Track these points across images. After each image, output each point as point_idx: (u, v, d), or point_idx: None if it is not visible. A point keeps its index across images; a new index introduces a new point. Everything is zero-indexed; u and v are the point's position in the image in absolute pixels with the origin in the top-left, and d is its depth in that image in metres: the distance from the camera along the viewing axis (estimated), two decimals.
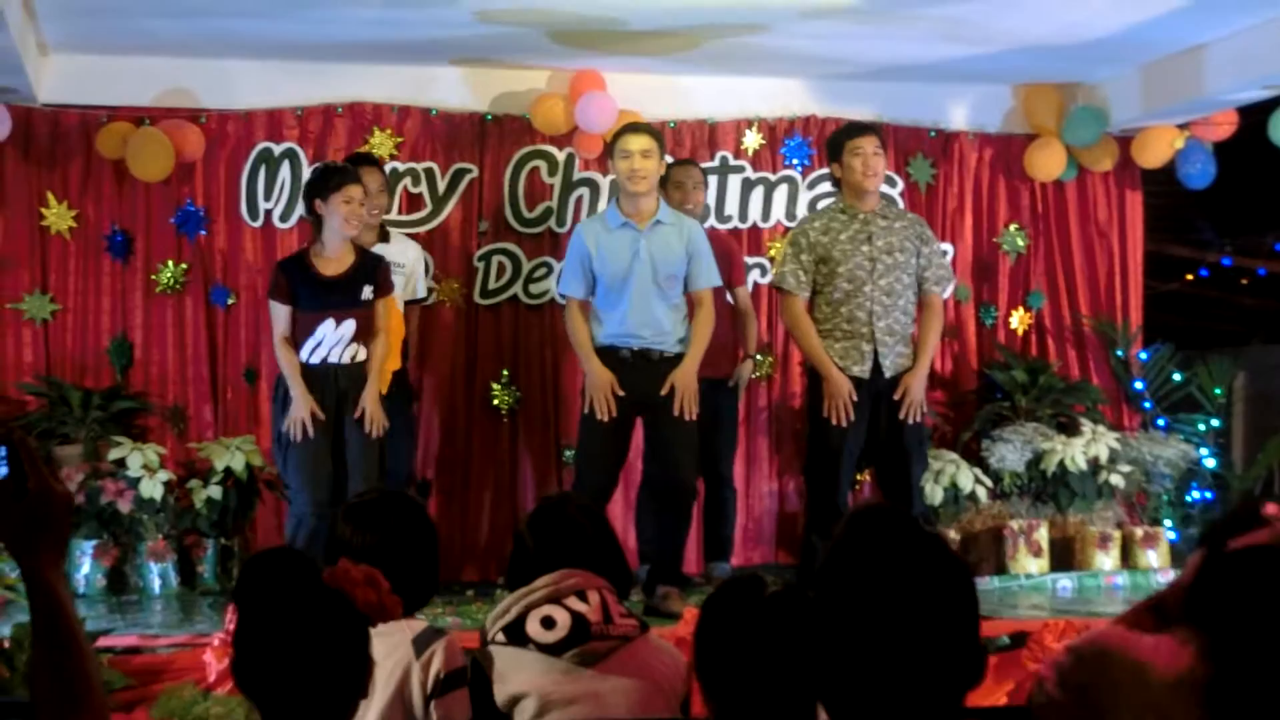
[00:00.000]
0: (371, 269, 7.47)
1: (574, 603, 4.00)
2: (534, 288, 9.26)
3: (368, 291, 7.39)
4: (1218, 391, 9.94)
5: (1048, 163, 9.67)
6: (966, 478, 8.91)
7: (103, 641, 6.26)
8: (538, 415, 9.29)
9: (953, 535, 8.64)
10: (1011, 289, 9.92)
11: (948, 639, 2.63)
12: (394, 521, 4.24)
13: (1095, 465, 9.08)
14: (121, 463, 8.25)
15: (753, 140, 9.56)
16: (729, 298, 8.63)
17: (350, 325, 7.33)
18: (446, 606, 7.77)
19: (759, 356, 9.31)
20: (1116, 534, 9.03)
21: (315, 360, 7.33)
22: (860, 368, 7.70)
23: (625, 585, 4.36)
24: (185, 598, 8.16)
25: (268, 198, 9.07)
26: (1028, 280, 9.93)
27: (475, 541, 9.17)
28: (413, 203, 9.23)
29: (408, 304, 8.34)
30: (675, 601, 7.35)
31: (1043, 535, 8.93)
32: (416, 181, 9.22)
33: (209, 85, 9.05)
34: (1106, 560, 8.96)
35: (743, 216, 9.55)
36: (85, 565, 8.13)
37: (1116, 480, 9.09)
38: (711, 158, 9.46)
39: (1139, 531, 9.08)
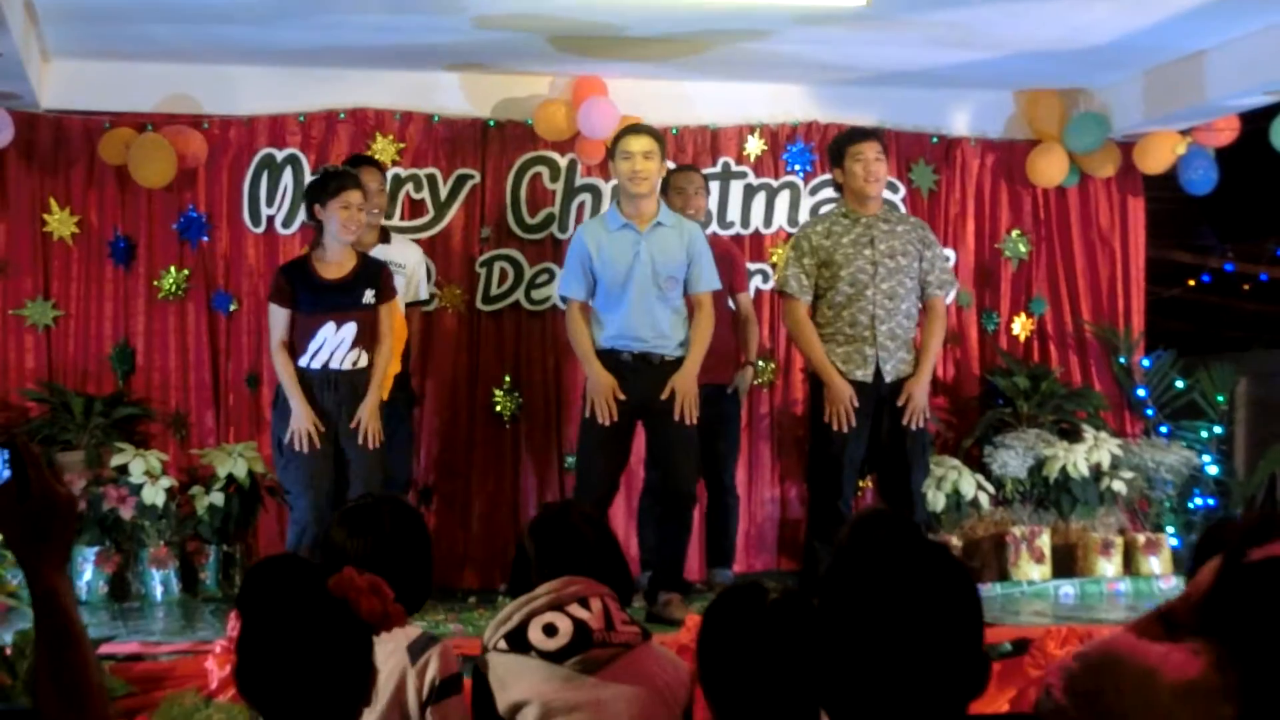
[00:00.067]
0: (374, 273, 7.46)
1: (576, 610, 4.00)
2: (536, 294, 9.26)
3: (369, 295, 7.38)
4: (1220, 398, 9.92)
5: (1050, 168, 9.67)
6: (969, 484, 8.91)
7: (105, 649, 6.25)
8: (540, 422, 9.28)
9: (955, 542, 8.63)
10: (1013, 295, 9.92)
11: (952, 647, 2.62)
12: (388, 527, 4.25)
13: (1097, 471, 9.07)
14: (123, 469, 8.24)
15: (755, 146, 9.56)
16: (730, 304, 8.63)
17: (351, 328, 7.31)
18: (448, 613, 7.77)
19: (761, 363, 9.32)
20: (1119, 540, 9.02)
21: (316, 365, 7.32)
22: (863, 372, 7.70)
23: (627, 592, 4.37)
24: (187, 604, 8.15)
25: (270, 204, 9.07)
26: (1030, 286, 9.93)
27: (477, 548, 9.16)
28: (415, 208, 9.24)
29: (409, 305, 8.34)
30: (677, 608, 7.34)
31: (1045, 542, 8.92)
32: (419, 187, 9.22)
33: (211, 91, 9.06)
34: (1109, 567, 8.95)
35: (745, 222, 9.55)
36: (87, 572, 8.12)
37: (1119, 487, 9.09)
38: (714, 163, 9.46)
39: (1141, 538, 9.07)
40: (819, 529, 7.74)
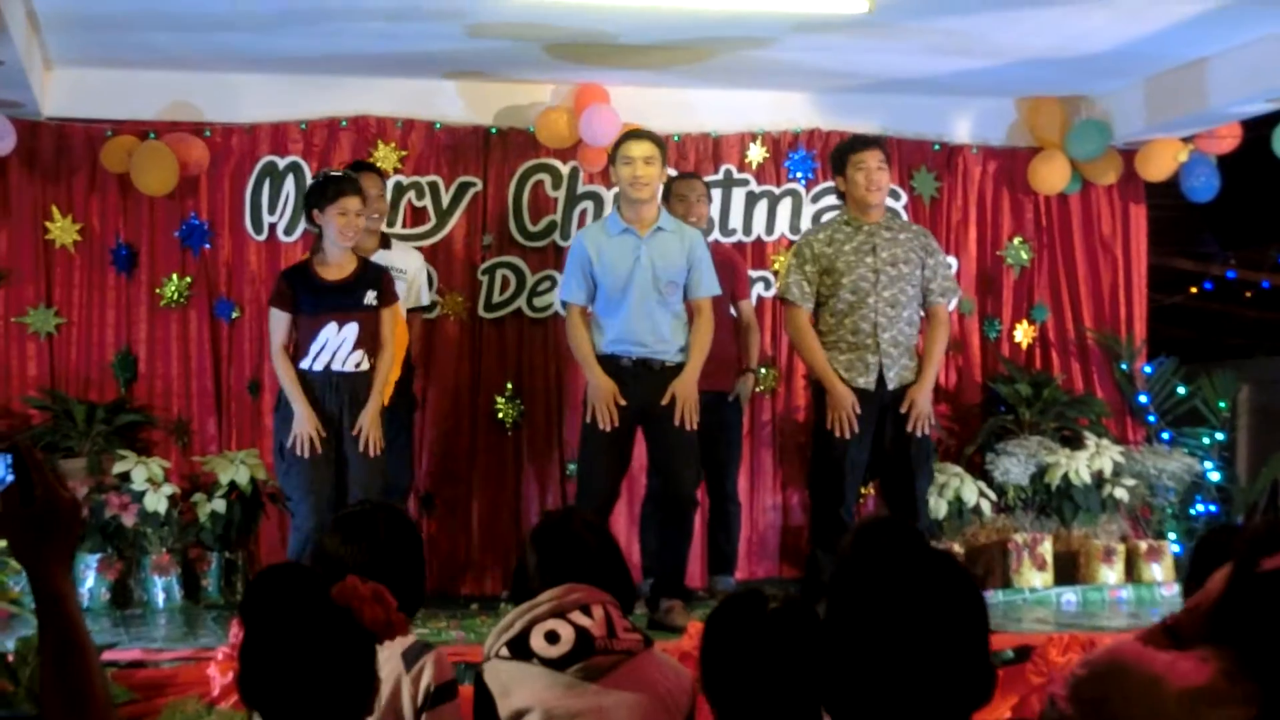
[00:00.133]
0: (375, 276, 7.46)
1: (578, 617, 4.00)
2: (538, 301, 9.26)
3: (370, 296, 7.36)
4: (1222, 405, 9.92)
5: (1051, 176, 9.68)
6: (970, 491, 8.91)
7: (106, 655, 6.24)
8: (542, 429, 9.29)
9: (957, 549, 8.62)
10: (1015, 302, 9.92)
11: (958, 656, 2.62)
12: (382, 534, 4.25)
13: (1099, 479, 9.07)
14: (125, 476, 8.25)
15: (757, 153, 9.56)
16: (732, 311, 8.63)
17: (353, 329, 7.29)
18: (450, 620, 7.76)
19: (762, 370, 9.32)
20: (1121, 548, 9.01)
21: (319, 367, 7.29)
22: (865, 379, 7.70)
23: (629, 599, 4.36)
24: (189, 611, 8.15)
25: (272, 211, 9.08)
26: (1031, 293, 9.93)
27: (479, 555, 9.16)
28: (417, 216, 9.24)
29: (410, 311, 8.34)
30: (679, 615, 7.34)
31: (1047, 549, 8.91)
32: (421, 195, 9.23)
33: (213, 99, 9.07)
34: (1111, 574, 8.94)
35: (746, 230, 9.55)
36: (89, 579, 8.12)
37: (1121, 494, 9.08)
38: (715, 171, 9.46)
39: (1143, 545, 9.06)
40: (821, 536, 7.75)
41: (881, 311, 7.71)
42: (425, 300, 8.61)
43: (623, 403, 7.43)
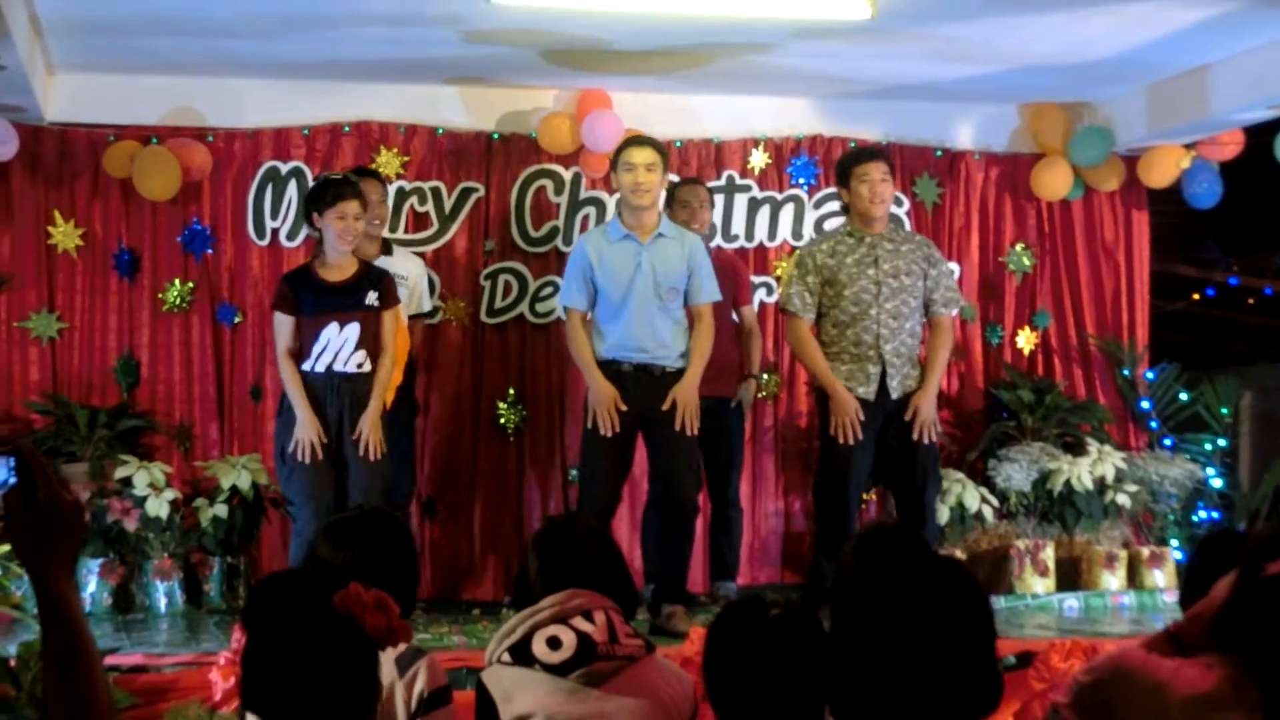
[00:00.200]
0: (376, 278, 7.47)
1: (580, 623, 4.00)
2: (540, 306, 9.26)
3: (372, 297, 7.37)
4: (1224, 411, 9.92)
5: (1054, 182, 9.68)
6: (973, 497, 8.90)
7: (109, 660, 6.23)
8: (544, 434, 9.29)
9: (959, 555, 8.62)
10: (1018, 308, 9.92)
11: (964, 663, 2.62)
12: (374, 539, 4.25)
13: (1101, 485, 9.07)
14: (128, 481, 8.25)
15: (759, 159, 9.56)
16: (734, 316, 8.63)
17: (354, 329, 7.30)
18: (452, 625, 7.77)
19: (765, 376, 9.32)
20: (1123, 554, 9.02)
21: (320, 368, 7.30)
22: (865, 389, 7.68)
23: (631, 605, 4.36)
24: (191, 616, 8.16)
25: (274, 216, 9.08)
26: (1034, 300, 9.93)
27: (481, 561, 9.16)
28: (419, 221, 9.24)
29: (412, 318, 8.34)
30: (681, 620, 7.34)
31: (1049, 555, 8.92)
32: (423, 200, 9.23)
33: (216, 104, 9.07)
34: (1113, 580, 8.94)
35: (749, 236, 9.55)
36: (91, 584, 8.13)
37: (1123, 500, 9.08)
38: (718, 177, 9.46)
39: (1145, 551, 9.06)
40: (825, 543, 7.73)
41: (884, 323, 7.70)
42: (426, 306, 8.62)
43: (624, 408, 7.44)
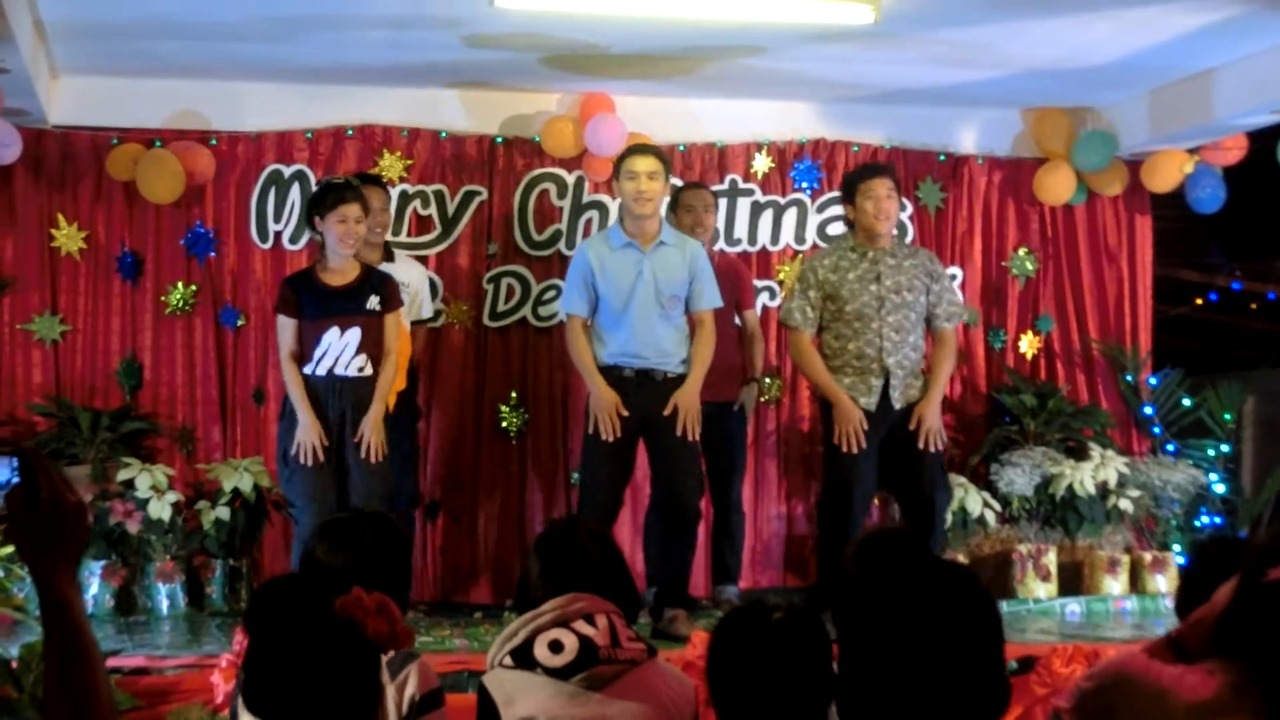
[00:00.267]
0: (378, 282, 7.48)
1: (581, 626, 4.00)
2: (543, 310, 9.26)
3: (374, 301, 7.38)
4: (1227, 416, 9.92)
5: (1057, 187, 9.67)
6: (975, 502, 8.90)
7: (111, 663, 6.24)
8: (546, 438, 9.29)
9: (961, 559, 8.62)
10: (1020, 313, 9.92)
11: (974, 670, 2.61)
12: (367, 541, 4.24)
13: (1104, 490, 9.06)
14: (130, 484, 8.25)
15: (762, 163, 9.56)
16: (737, 320, 8.63)
17: (355, 333, 7.31)
18: (454, 628, 7.78)
19: (767, 380, 9.33)
20: (1125, 558, 9.02)
21: (321, 372, 7.32)
22: (867, 399, 7.67)
23: (633, 609, 4.36)
24: (193, 619, 8.16)
25: (277, 219, 9.08)
26: (1037, 304, 9.93)
27: (483, 564, 9.16)
28: (422, 225, 9.25)
29: (414, 324, 8.35)
30: (683, 624, 7.34)
31: (1051, 560, 8.92)
32: (426, 204, 9.23)
33: (219, 107, 9.08)
34: (1115, 585, 8.94)
35: (752, 239, 9.55)
36: (93, 586, 8.13)
37: (1125, 505, 9.08)
38: (721, 180, 9.47)
39: (1148, 556, 9.06)
40: (829, 552, 7.71)
41: (887, 336, 7.69)
42: (426, 314, 8.60)
43: (625, 413, 7.44)
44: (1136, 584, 8.99)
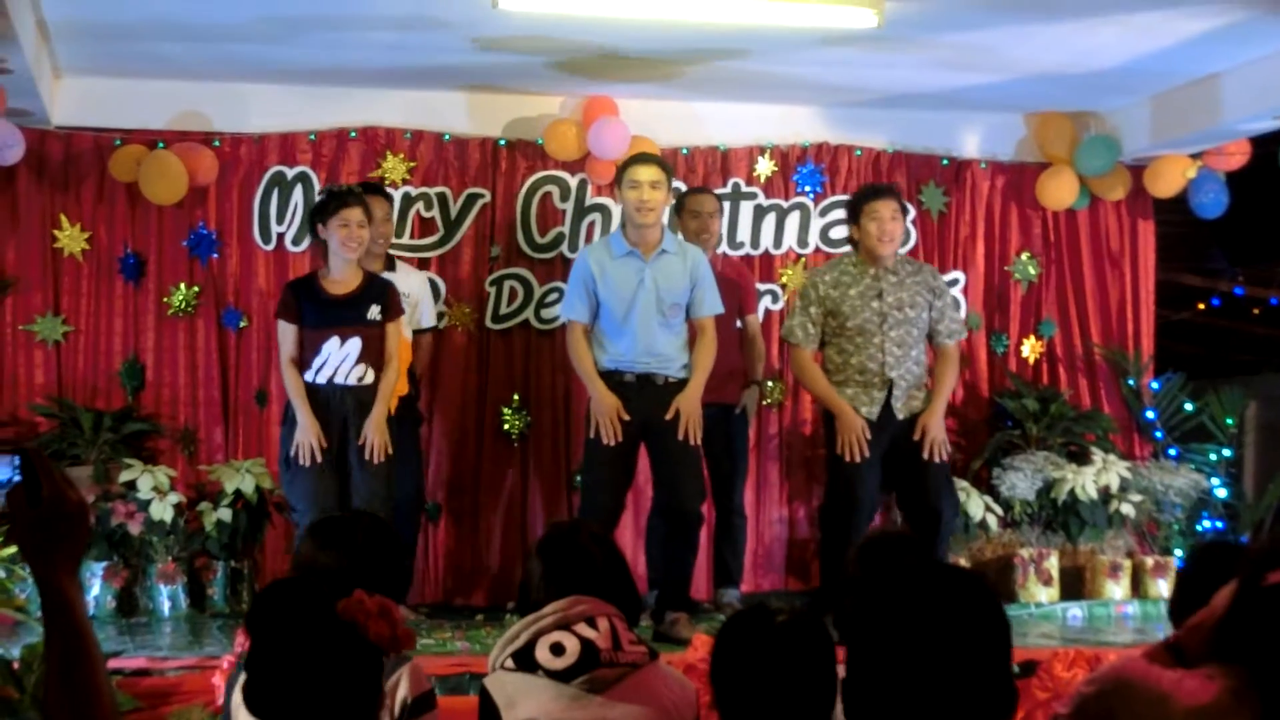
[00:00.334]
0: (380, 291, 7.49)
1: (583, 629, 4.00)
2: (545, 313, 9.26)
3: (375, 311, 7.40)
4: (1229, 421, 9.92)
5: (1060, 191, 9.67)
6: (977, 506, 8.90)
7: (112, 664, 6.24)
8: (549, 440, 9.29)
9: (963, 563, 8.62)
10: (1023, 317, 9.92)
11: (982, 675, 2.60)
12: (359, 540, 4.24)
13: (1106, 494, 9.07)
14: (132, 485, 8.25)
15: (765, 167, 9.56)
16: (738, 324, 8.63)
17: (355, 344, 7.34)
18: (456, 631, 7.77)
19: (770, 383, 9.33)
20: (1127, 563, 9.03)
21: (321, 380, 7.35)
22: (869, 409, 7.66)
23: (635, 612, 4.36)
24: (195, 620, 8.16)
25: (280, 221, 9.08)
26: (1039, 308, 9.93)
27: (485, 566, 9.16)
28: (425, 227, 9.25)
29: (416, 333, 8.34)
30: (684, 627, 7.34)
31: (1053, 564, 8.92)
32: (429, 206, 9.23)
33: (222, 109, 9.08)
34: (1117, 589, 8.95)
35: (754, 243, 9.55)
36: (95, 587, 8.13)
37: (1127, 509, 9.08)
38: (724, 184, 9.46)
39: (1149, 561, 9.07)
40: (831, 560, 7.69)
41: (889, 351, 7.69)
42: (426, 323, 8.54)
43: (626, 418, 7.44)
44: (1138, 589, 9.00)
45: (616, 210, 9.07)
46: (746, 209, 9.53)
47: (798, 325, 7.80)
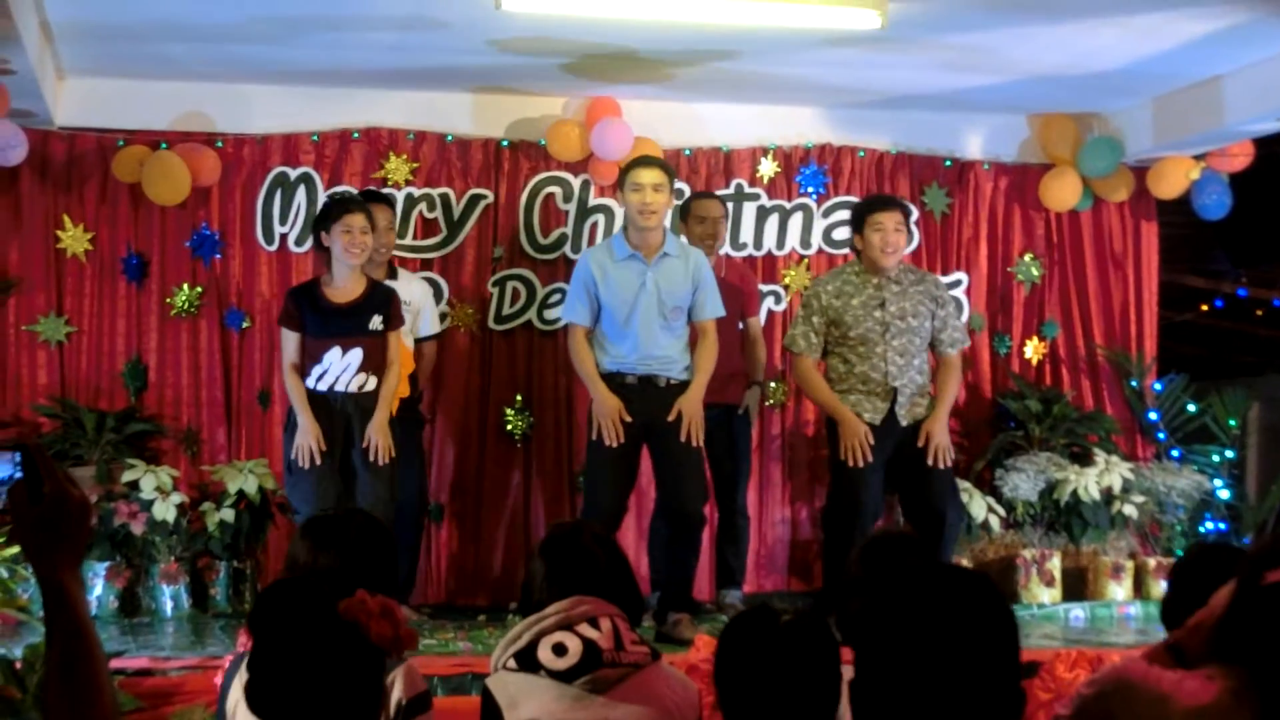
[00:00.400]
0: (383, 300, 7.50)
1: (585, 629, 4.00)
2: (548, 313, 9.26)
3: (377, 321, 7.41)
4: (1232, 423, 9.92)
5: (1063, 192, 9.67)
6: (979, 507, 8.90)
7: (114, 664, 6.25)
8: (551, 441, 9.29)
9: (965, 564, 8.62)
10: (1026, 318, 9.91)
11: (990, 677, 2.60)
12: (351, 537, 4.24)
13: (1108, 495, 9.07)
14: (135, 485, 8.26)
15: (768, 168, 9.56)
16: (740, 326, 8.63)
17: (357, 354, 7.35)
18: (458, 631, 7.77)
19: (772, 384, 9.34)
20: (1129, 564, 9.03)
21: (322, 387, 7.37)
22: (872, 415, 7.66)
23: (637, 612, 4.36)
24: (197, 620, 8.16)
25: (283, 222, 9.09)
26: (1042, 310, 9.93)
27: (488, 567, 9.16)
28: (428, 228, 9.25)
29: (418, 341, 8.33)
30: (687, 628, 7.34)
31: (1055, 565, 8.93)
32: (432, 207, 9.23)
33: (225, 110, 9.08)
34: (1119, 590, 8.95)
35: (757, 244, 9.55)
36: (98, 587, 8.14)
37: (1129, 510, 9.08)
38: (727, 185, 9.47)
39: (1152, 562, 9.07)
40: (836, 565, 7.68)
41: (892, 360, 7.68)
42: (426, 331, 8.47)
43: (628, 419, 7.44)
44: (1140, 589, 9.00)
45: (619, 211, 9.08)
46: (749, 210, 9.53)
47: (800, 334, 7.81)
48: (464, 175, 9.31)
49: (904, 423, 7.71)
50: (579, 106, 9.28)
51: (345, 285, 7.42)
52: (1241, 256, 11.95)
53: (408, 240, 9.08)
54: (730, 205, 9.27)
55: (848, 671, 2.81)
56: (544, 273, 9.32)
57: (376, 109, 9.22)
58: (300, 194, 9.07)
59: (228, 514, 8.32)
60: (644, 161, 7.67)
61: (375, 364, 7.41)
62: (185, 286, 8.99)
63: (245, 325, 9.06)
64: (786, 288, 9.47)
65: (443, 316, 8.94)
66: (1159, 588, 8.91)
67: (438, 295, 8.93)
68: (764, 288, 9.36)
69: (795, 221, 9.59)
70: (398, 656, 3.93)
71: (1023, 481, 9.03)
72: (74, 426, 8.62)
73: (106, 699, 2.39)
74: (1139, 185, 9.75)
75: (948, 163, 9.80)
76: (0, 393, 8.86)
